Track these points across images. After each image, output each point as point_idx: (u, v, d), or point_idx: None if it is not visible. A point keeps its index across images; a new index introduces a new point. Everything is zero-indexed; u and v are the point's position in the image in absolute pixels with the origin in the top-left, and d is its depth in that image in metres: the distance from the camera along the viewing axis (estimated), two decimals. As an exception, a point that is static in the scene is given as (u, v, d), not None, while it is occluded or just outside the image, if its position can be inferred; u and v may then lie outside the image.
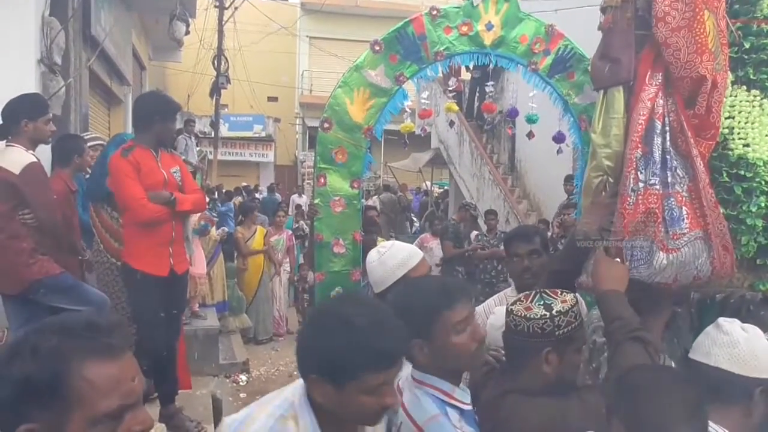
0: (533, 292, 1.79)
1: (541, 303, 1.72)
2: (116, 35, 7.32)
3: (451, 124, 9.94)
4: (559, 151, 3.95)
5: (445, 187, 17.76)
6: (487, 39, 3.54)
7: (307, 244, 9.83)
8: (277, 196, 15.36)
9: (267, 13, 17.43)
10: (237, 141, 20.91)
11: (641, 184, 2.03)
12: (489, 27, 3.52)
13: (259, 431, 1.26)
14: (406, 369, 1.65)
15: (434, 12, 3.50)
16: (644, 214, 2.00)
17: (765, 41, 2.12)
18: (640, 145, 2.05)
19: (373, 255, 2.16)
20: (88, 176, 4.27)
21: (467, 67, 12.31)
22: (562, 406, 1.69)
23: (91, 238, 4.13)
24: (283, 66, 22.50)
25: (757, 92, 2.10)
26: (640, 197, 2.02)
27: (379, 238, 4.31)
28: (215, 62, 13.45)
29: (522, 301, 1.77)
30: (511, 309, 1.77)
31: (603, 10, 2.24)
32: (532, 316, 1.70)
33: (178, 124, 5.98)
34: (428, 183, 17.10)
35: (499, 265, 7.46)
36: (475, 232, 8.16)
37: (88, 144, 4.32)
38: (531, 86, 3.75)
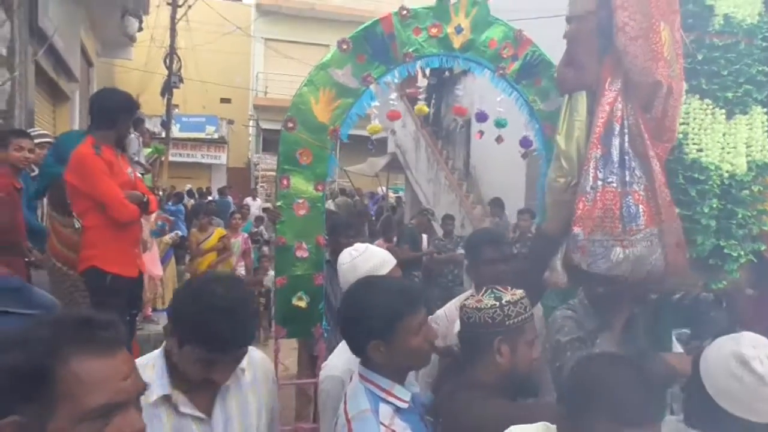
0: (485, 288, 1.84)
1: (492, 295, 1.79)
2: (64, 29, 6.98)
3: (403, 126, 10.01)
4: (524, 156, 3.98)
5: (401, 193, 17.84)
6: (456, 42, 3.53)
7: (266, 248, 9.68)
8: (229, 199, 15.03)
9: (222, 13, 17.10)
10: (189, 142, 20.38)
11: (600, 183, 2.12)
12: (458, 30, 3.51)
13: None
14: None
15: (404, 12, 3.46)
16: (602, 211, 2.10)
17: (716, 54, 2.23)
18: (599, 146, 2.14)
19: (345, 257, 2.10)
20: (34, 174, 4.03)
21: (424, 74, 12.49)
22: (516, 405, 1.71)
23: (42, 240, 3.89)
24: (237, 67, 22.11)
25: (710, 101, 2.22)
26: (598, 195, 2.11)
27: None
28: (167, 60, 13.06)
29: (474, 296, 1.84)
30: (464, 304, 1.84)
31: (568, 20, 2.32)
32: (482, 306, 1.76)
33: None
34: (383, 188, 17.13)
35: (456, 270, 7.50)
36: (425, 236, 8.15)
37: (36, 141, 4.07)
38: (498, 90, 3.77)
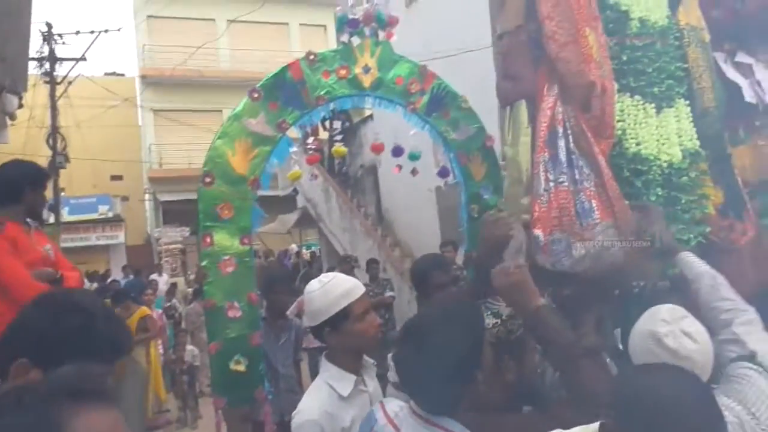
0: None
1: (488, 312, 1.70)
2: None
3: (314, 177, 9.98)
4: (445, 184, 4.08)
5: (314, 248, 17.66)
6: (365, 81, 3.59)
7: (182, 324, 9.08)
8: (135, 277, 14.10)
9: (105, 87, 16.47)
10: (81, 225, 19.07)
11: (551, 184, 2.20)
12: (366, 70, 3.58)
13: None
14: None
15: (311, 57, 3.49)
16: (558, 210, 2.16)
17: (638, 54, 2.43)
18: (545, 149, 2.21)
19: (314, 284, 1.97)
20: None
21: (323, 126, 12.63)
22: (528, 420, 1.63)
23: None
24: (126, 141, 21.24)
25: (639, 98, 2.39)
26: (552, 195, 2.18)
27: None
28: (50, 141, 12.27)
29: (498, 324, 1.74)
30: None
31: (500, 36, 2.42)
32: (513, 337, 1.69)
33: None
34: (296, 245, 16.88)
35: (387, 314, 7.42)
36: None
37: None
38: (410, 125, 3.86)
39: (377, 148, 3.88)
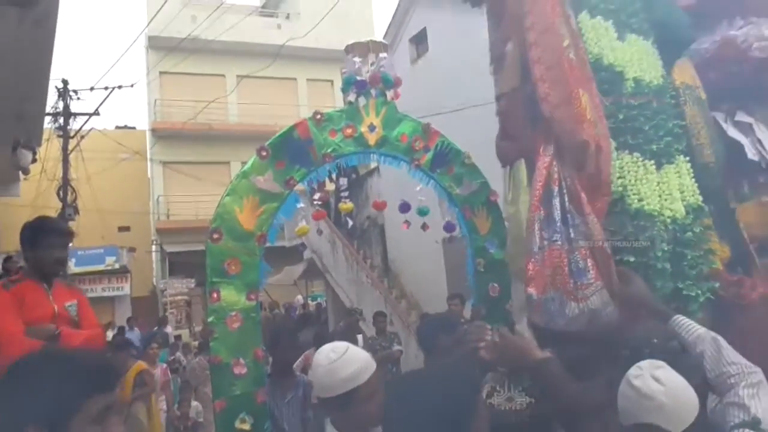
0: (498, 375, 1.73)
1: (519, 388, 1.69)
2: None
3: (320, 232, 10.03)
4: (450, 240, 4.10)
5: (320, 299, 17.54)
6: (371, 139, 3.68)
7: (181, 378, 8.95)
8: (140, 330, 13.98)
9: (116, 140, 16.83)
10: (87, 276, 19.08)
11: (546, 242, 2.23)
12: (371, 128, 3.67)
13: None
14: None
15: (318, 116, 3.59)
16: (552, 269, 2.18)
17: (635, 113, 2.49)
18: (540, 208, 2.25)
19: (322, 358, 1.91)
20: None
21: (330, 178, 12.81)
22: None
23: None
24: (134, 193, 21.50)
25: (638, 155, 2.44)
26: (546, 254, 2.21)
27: None
28: (60, 193, 12.45)
29: (497, 392, 1.72)
30: (490, 403, 1.70)
31: (498, 98, 2.50)
32: (517, 407, 1.67)
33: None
34: (300, 297, 16.79)
35: (394, 368, 7.31)
36: (359, 337, 7.98)
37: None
38: (416, 181, 3.92)
39: (379, 206, 3.94)
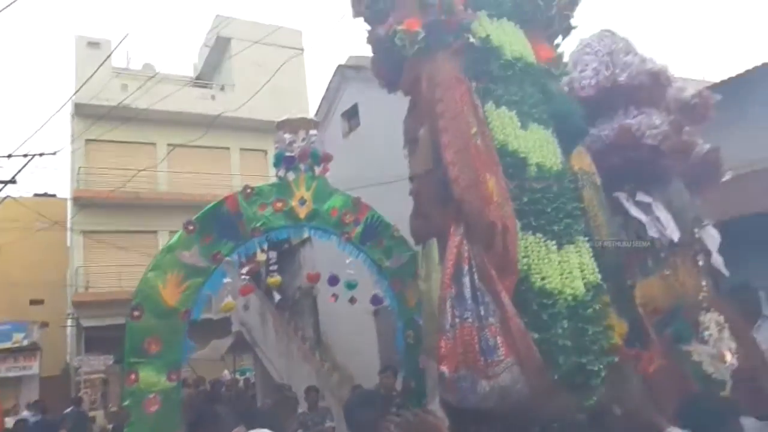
0: None
1: None
2: None
3: (246, 308, 9.78)
4: (376, 313, 4.13)
5: (248, 374, 16.79)
6: (301, 213, 3.73)
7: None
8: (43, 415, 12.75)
9: (33, 209, 15.99)
10: (-10, 355, 17.51)
11: (457, 320, 2.31)
12: (302, 202, 3.73)
13: None
14: None
15: (248, 191, 3.61)
16: (463, 347, 2.24)
17: (538, 196, 2.67)
18: (451, 286, 2.32)
19: None
20: None
21: (261, 249, 12.64)
22: None
23: None
24: (51, 263, 20.26)
25: (541, 235, 2.60)
26: (457, 332, 2.28)
27: None
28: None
29: None
30: None
31: (412, 178, 2.62)
32: None
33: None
34: (227, 372, 16.00)
35: (327, 446, 7.03)
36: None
37: None
38: (346, 253, 3.97)
39: (313, 278, 3.94)
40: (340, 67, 11.07)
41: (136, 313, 3.19)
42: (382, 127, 9.97)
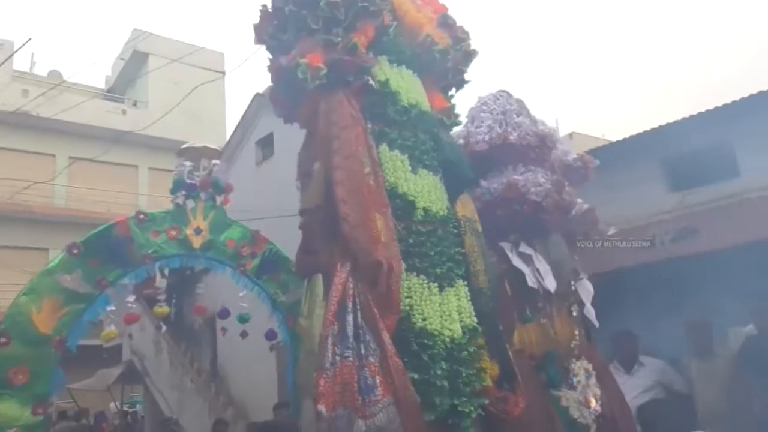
0: None
1: None
2: None
3: (131, 337, 9.29)
4: (272, 348, 4.08)
5: (137, 406, 15.78)
6: (196, 242, 3.65)
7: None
8: None
9: None
10: None
11: (338, 358, 2.32)
12: (197, 231, 3.66)
13: None
14: None
15: (141, 216, 3.50)
16: (341, 385, 2.26)
17: (423, 239, 2.78)
18: (334, 322, 2.36)
19: None
20: None
21: (162, 274, 12.05)
22: None
23: None
24: None
25: (424, 277, 2.69)
26: (337, 370, 2.29)
27: None
28: None
29: None
30: None
31: (301, 212, 2.65)
32: None
33: None
34: (114, 404, 14.95)
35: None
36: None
37: None
38: (240, 287, 3.91)
39: (200, 310, 3.84)
40: (257, 95, 11.02)
41: (2, 340, 2.97)
42: (295, 158, 9.94)
